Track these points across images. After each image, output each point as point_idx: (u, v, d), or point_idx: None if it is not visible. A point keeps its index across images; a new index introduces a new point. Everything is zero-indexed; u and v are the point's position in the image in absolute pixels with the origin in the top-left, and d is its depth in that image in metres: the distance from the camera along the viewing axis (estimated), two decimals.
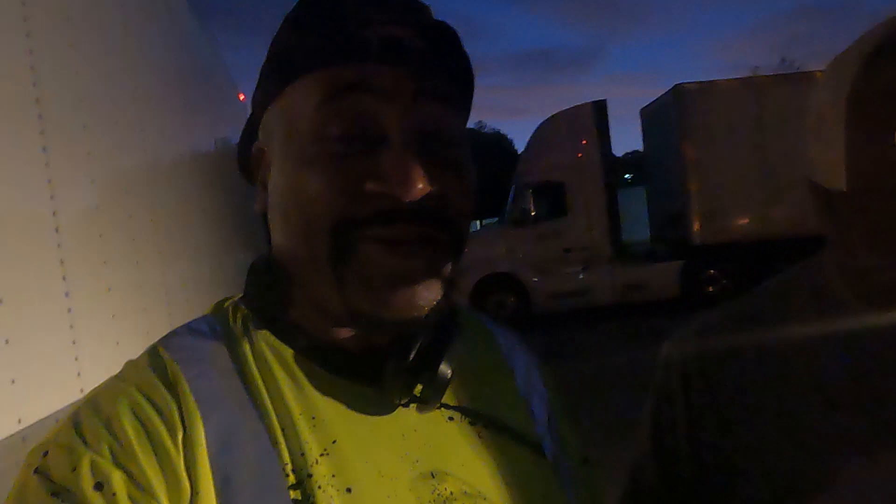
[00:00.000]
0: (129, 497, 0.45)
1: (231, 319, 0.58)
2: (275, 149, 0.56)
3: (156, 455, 0.47)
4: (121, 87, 2.99)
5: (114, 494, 0.44)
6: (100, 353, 2.11)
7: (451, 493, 0.55)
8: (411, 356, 0.54)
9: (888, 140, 0.52)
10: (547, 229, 10.21)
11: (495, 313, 10.10)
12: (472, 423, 0.60)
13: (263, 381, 0.53)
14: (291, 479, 0.49)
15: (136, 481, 0.45)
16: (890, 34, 0.55)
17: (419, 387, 0.55)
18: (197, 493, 0.46)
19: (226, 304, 0.61)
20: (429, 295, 0.53)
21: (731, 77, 10.35)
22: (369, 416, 0.55)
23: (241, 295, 0.61)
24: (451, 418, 0.59)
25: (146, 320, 2.60)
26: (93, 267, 2.29)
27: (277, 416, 0.52)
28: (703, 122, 9.75)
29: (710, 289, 9.90)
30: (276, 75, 0.56)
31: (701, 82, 10.13)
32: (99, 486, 0.44)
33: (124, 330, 2.39)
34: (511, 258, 10.25)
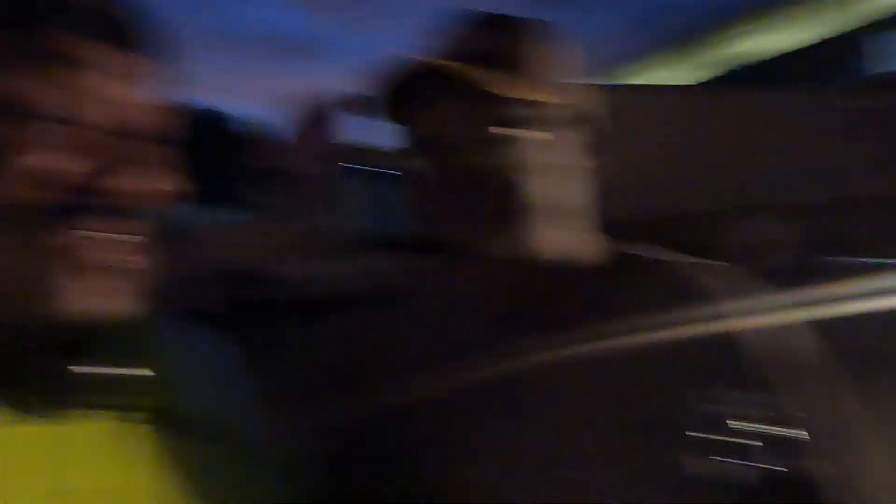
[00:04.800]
0: None
1: None
2: None
3: None
4: None
5: None
6: None
7: None
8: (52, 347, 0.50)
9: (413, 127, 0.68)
10: (291, 218, 10.06)
11: (221, 305, 9.65)
12: (156, 426, 0.56)
13: None
14: None
15: None
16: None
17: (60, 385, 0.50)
18: None
19: None
20: (101, 297, 0.49)
21: None
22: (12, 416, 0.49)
23: None
24: (121, 421, 0.54)
25: None
26: None
27: None
28: None
29: None
30: None
31: None
32: None
33: None
34: (246, 249, 9.89)
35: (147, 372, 0.55)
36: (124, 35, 0.51)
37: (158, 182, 0.51)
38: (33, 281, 0.48)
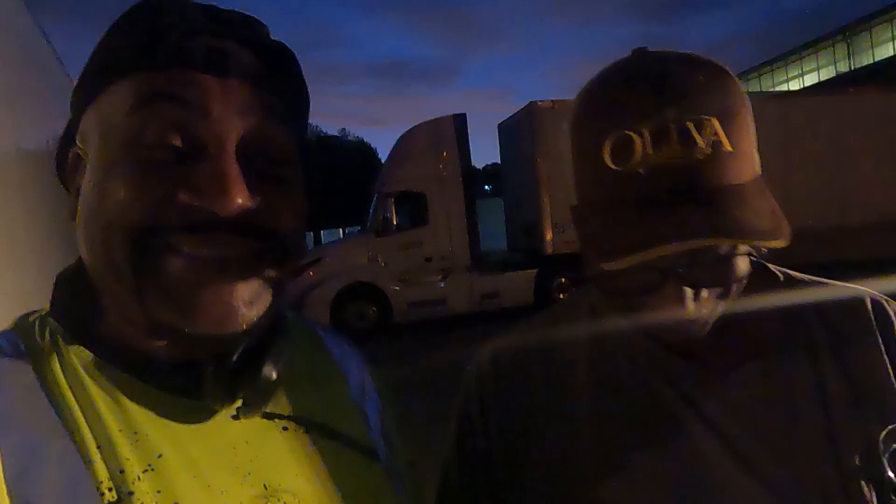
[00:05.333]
0: None
1: (37, 335, 0.54)
2: (90, 151, 0.53)
3: None
4: None
5: None
6: None
7: None
8: (233, 360, 0.53)
9: (597, 158, 0.62)
10: (408, 239, 10.32)
11: (356, 322, 10.03)
12: (305, 432, 0.60)
13: (76, 399, 0.50)
14: (109, 496, 0.47)
15: None
16: (604, 75, 0.66)
17: (242, 392, 0.54)
18: None
19: (31, 319, 0.57)
20: (243, 310, 0.51)
21: None
22: (195, 428, 0.53)
23: (47, 308, 0.57)
24: (284, 428, 0.59)
25: None
26: None
27: (93, 433, 0.49)
28: (555, 138, 10.31)
29: (561, 296, 10.44)
30: (95, 77, 0.54)
31: (554, 101, 10.72)
32: None
33: None
34: (373, 267, 10.24)
35: (292, 379, 0.59)
36: (263, 71, 0.54)
37: (296, 208, 0.55)
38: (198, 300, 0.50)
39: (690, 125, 0.58)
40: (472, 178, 11.45)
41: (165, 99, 0.50)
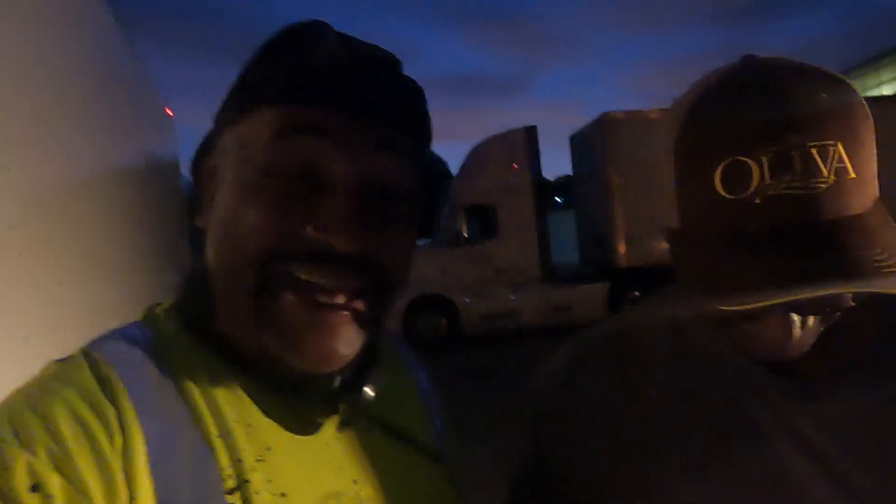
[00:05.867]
0: (67, 502, 0.44)
1: (164, 326, 0.58)
2: (227, 168, 0.56)
3: (94, 461, 0.46)
4: (41, 100, 2.88)
5: (51, 497, 0.43)
6: (10, 376, 2.02)
7: (373, 502, 0.59)
8: (335, 383, 0.57)
9: (708, 185, 0.57)
10: (479, 251, 10.35)
11: (427, 333, 10.12)
12: (382, 435, 0.64)
13: (198, 389, 0.54)
14: (229, 484, 0.51)
15: (74, 486, 0.44)
16: (711, 87, 0.60)
17: (342, 406, 0.58)
18: (135, 500, 0.46)
19: (157, 311, 0.60)
20: (346, 349, 0.54)
21: (654, 108, 10.82)
22: (297, 428, 0.57)
23: (172, 302, 0.61)
24: (366, 429, 0.62)
25: (65, 341, 2.48)
26: (10, 286, 2.18)
27: (214, 422, 0.52)
28: (628, 149, 10.12)
29: None
30: (239, 100, 0.57)
31: (626, 111, 10.55)
32: (35, 488, 0.43)
33: (40, 352, 2.28)
34: (443, 279, 10.31)
35: (383, 391, 0.62)
36: (397, 109, 0.56)
37: (408, 246, 0.58)
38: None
39: (814, 152, 0.53)
40: (543, 189, 11.38)
41: (305, 134, 0.52)
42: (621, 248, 10.33)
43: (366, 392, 0.58)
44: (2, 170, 2.26)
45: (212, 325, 0.57)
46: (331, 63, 0.54)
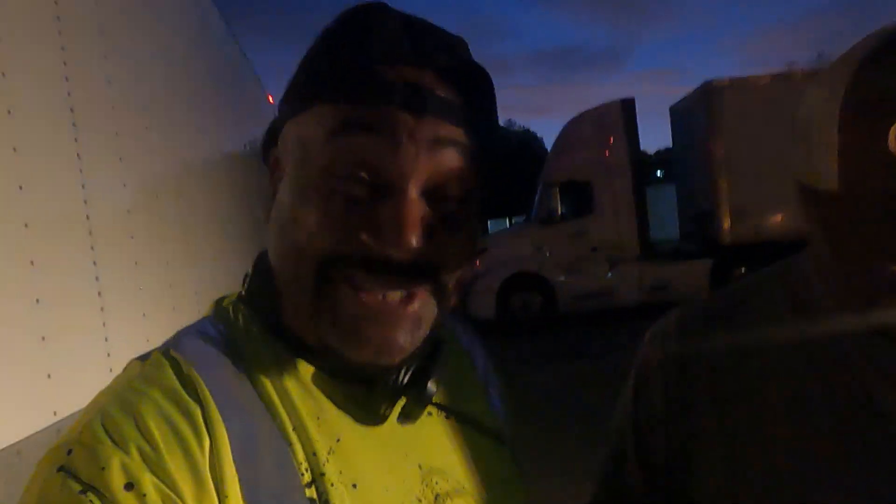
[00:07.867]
0: (160, 501, 0.44)
1: (234, 320, 0.58)
2: (288, 163, 0.56)
3: (184, 460, 0.46)
4: (152, 93, 3.09)
5: (144, 496, 0.44)
6: (130, 350, 2.21)
7: (440, 485, 0.59)
8: (400, 378, 0.56)
9: (881, 143, 0.53)
10: (574, 228, 10.15)
11: (521, 312, 10.10)
12: (447, 418, 0.64)
13: (271, 382, 0.54)
14: (307, 477, 0.50)
15: (167, 485, 0.45)
16: (886, 41, 0.56)
17: (404, 399, 0.57)
18: (225, 499, 0.47)
19: (225, 303, 0.61)
20: (405, 340, 0.53)
21: (763, 73, 10.14)
22: (364, 416, 0.57)
23: (237, 294, 0.62)
24: (429, 413, 0.62)
25: (175, 319, 2.69)
26: (124, 268, 2.38)
27: (288, 416, 0.52)
28: (734, 118, 9.56)
29: None
30: (299, 95, 0.56)
31: (732, 78, 9.93)
32: (130, 486, 0.44)
33: (154, 328, 2.48)
34: (538, 257, 10.22)
35: (447, 377, 0.61)
36: (458, 102, 0.54)
37: (466, 247, 0.56)
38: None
39: None
40: (641, 164, 10.98)
41: (360, 132, 0.51)
42: (726, 224, 9.83)
43: (430, 388, 0.57)
44: (119, 160, 2.46)
45: (278, 318, 0.57)
46: (387, 55, 0.52)
